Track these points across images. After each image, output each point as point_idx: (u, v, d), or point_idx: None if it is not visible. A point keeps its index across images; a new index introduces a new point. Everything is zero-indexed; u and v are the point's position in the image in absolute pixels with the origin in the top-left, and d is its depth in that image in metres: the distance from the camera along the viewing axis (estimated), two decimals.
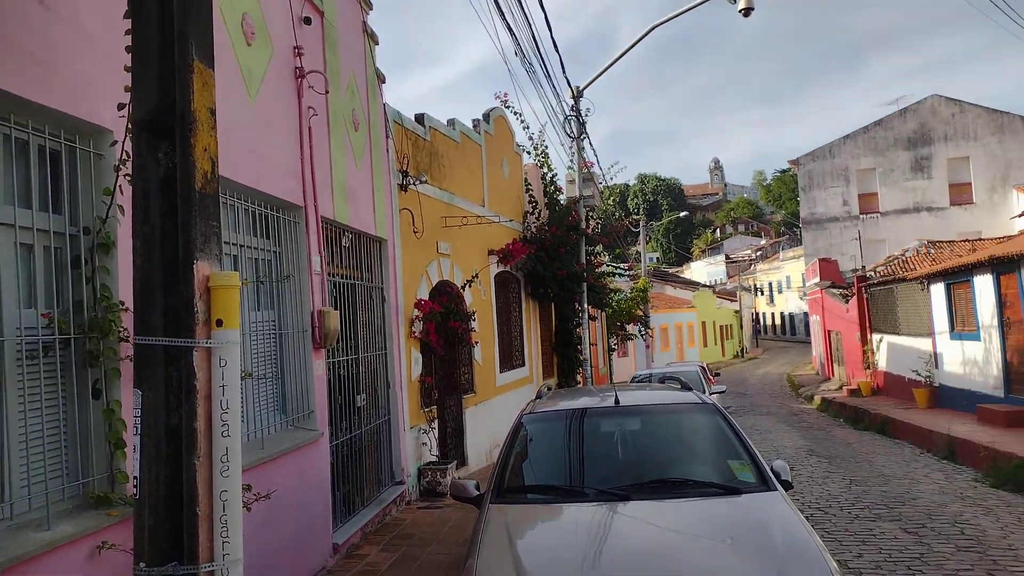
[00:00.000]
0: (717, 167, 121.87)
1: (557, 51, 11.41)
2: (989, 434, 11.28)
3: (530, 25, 11.12)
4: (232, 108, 5.23)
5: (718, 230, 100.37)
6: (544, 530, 3.92)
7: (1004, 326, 12.87)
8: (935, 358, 15.97)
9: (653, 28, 13.24)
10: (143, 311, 2.53)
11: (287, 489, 5.50)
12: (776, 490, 4.08)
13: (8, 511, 3.23)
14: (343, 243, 7.38)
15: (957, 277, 14.67)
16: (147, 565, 2.44)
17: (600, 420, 4.74)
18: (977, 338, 13.84)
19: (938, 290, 15.68)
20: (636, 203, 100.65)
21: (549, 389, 6.28)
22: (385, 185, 8.37)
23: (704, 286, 54.44)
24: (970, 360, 14.29)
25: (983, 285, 13.52)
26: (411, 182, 8.84)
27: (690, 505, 3.93)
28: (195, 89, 2.59)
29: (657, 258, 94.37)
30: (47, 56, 3.47)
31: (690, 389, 5.45)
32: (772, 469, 4.34)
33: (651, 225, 38.38)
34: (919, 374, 16.29)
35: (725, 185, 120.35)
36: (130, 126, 2.68)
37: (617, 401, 4.89)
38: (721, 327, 48.01)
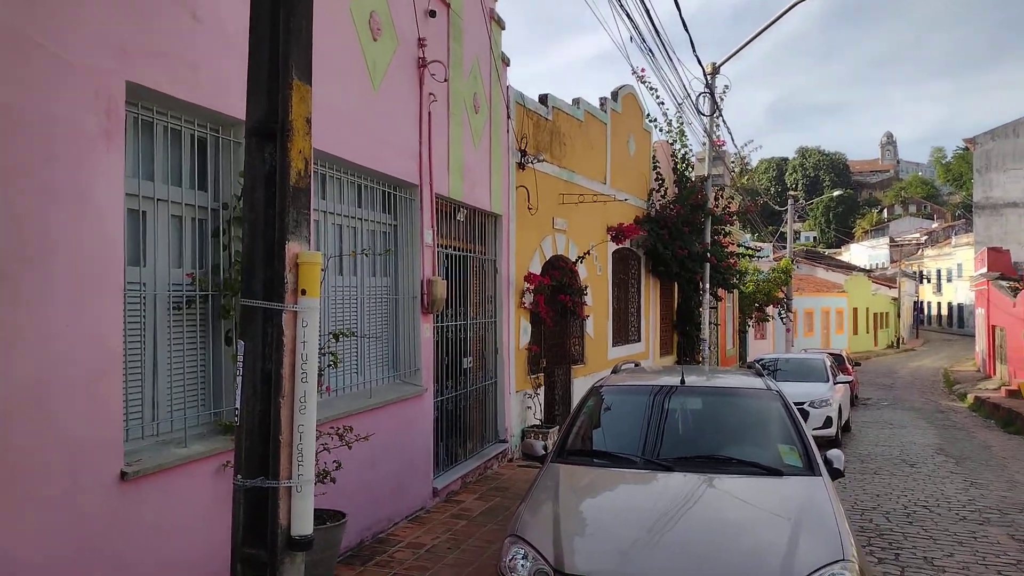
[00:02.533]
0: (889, 142, 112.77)
1: (686, 30, 11.40)
2: None
3: (647, 11, 10.95)
4: (356, 98, 5.92)
5: (885, 210, 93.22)
6: (587, 488, 4.36)
7: None
8: None
9: (795, 4, 12.79)
10: (248, 279, 3.20)
11: (391, 435, 6.25)
12: (820, 476, 4.27)
13: (156, 429, 4.12)
14: (458, 218, 8.02)
15: None
16: (243, 477, 3.13)
17: (663, 397, 5.06)
18: None
19: None
20: (794, 178, 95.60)
21: (637, 365, 6.63)
22: (503, 164, 8.91)
23: (860, 270, 51.22)
24: None
25: None
26: (529, 160, 9.32)
27: (727, 481, 4.22)
28: (293, 103, 3.18)
29: (814, 237, 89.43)
30: (197, 61, 4.23)
31: (762, 375, 5.64)
32: (826, 458, 4.51)
33: (801, 202, 36.53)
34: None
35: (898, 162, 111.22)
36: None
37: (683, 381, 5.19)
38: (875, 315, 45.14)
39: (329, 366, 5.26)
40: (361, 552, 5.71)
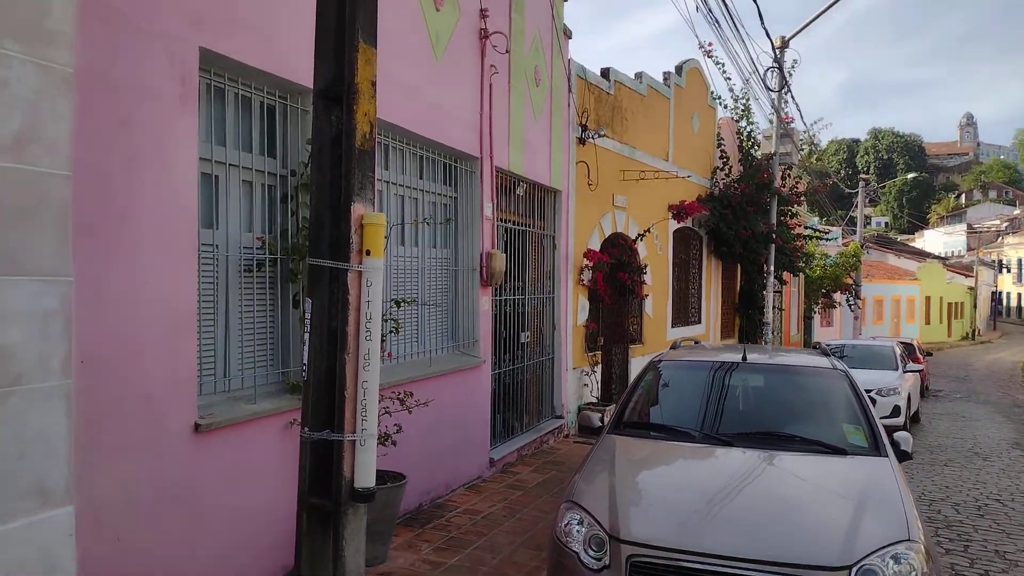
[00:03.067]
0: (970, 123, 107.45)
1: (755, 2, 11.07)
2: None
3: None
4: (419, 69, 5.97)
5: (963, 195, 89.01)
6: (644, 459, 4.33)
7: None
8: None
9: None
10: (315, 240, 3.28)
11: (449, 404, 6.34)
12: (886, 457, 4.15)
13: (228, 386, 4.28)
14: (517, 192, 8.02)
15: None
16: (310, 430, 3.23)
17: (723, 373, 4.98)
18: None
19: None
20: (866, 160, 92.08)
21: (696, 343, 6.55)
22: (563, 138, 8.85)
23: (935, 257, 49.24)
24: None
25: None
26: (590, 135, 9.24)
27: (789, 458, 4.13)
28: (359, 65, 3.23)
29: (886, 223, 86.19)
30: (268, 30, 4.33)
31: (828, 355, 5.50)
32: (893, 439, 4.39)
33: (873, 186, 35.18)
34: None
35: (978, 144, 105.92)
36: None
37: (744, 358, 5.11)
38: (949, 304, 43.33)
39: (391, 332, 5.36)
40: (420, 515, 5.85)
